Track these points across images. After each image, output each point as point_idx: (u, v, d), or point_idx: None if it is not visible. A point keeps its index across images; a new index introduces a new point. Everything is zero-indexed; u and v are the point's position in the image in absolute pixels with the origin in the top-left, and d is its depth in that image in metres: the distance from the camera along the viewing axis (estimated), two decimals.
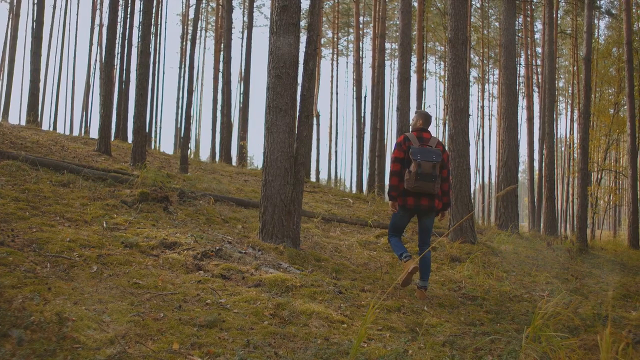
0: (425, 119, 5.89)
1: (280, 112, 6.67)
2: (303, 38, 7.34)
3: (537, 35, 38.27)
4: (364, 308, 4.97)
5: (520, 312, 5.66)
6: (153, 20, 28.13)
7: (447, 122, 9.92)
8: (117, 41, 22.21)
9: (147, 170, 9.31)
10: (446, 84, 9.54)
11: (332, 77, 43.72)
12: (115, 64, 21.77)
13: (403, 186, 5.60)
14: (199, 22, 41.80)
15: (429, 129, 5.87)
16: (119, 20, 22.19)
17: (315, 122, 35.96)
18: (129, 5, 16.57)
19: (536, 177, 27.62)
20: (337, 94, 43.59)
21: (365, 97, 23.63)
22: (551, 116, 16.67)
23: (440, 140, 5.84)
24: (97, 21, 32.63)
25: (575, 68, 34.63)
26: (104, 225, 6.42)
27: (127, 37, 17.55)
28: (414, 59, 25.28)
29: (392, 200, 5.75)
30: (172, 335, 3.68)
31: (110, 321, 3.79)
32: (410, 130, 6.02)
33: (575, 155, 35.76)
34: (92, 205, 7.23)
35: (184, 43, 33.37)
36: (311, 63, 6.98)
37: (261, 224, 6.74)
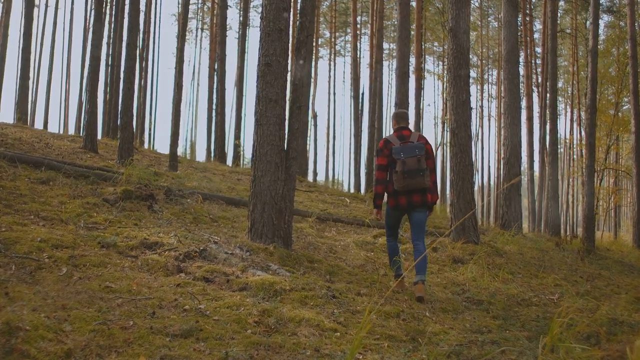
0: (400, 117, 5.87)
1: (270, 103, 6.21)
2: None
3: (536, 35, 37.94)
4: (359, 314, 4.52)
5: (530, 317, 5.22)
6: (145, 16, 27.67)
7: (447, 116, 9.50)
8: (110, 39, 21.79)
9: (133, 167, 8.84)
10: (447, 76, 9.10)
11: (329, 77, 43.31)
12: (109, 63, 21.34)
13: (393, 187, 5.56)
14: (195, 22, 41.40)
15: (408, 126, 5.83)
16: (113, 19, 21.79)
17: (313, 122, 35.52)
18: (120, 1, 16.13)
19: (536, 177, 27.19)
20: (334, 94, 43.37)
21: (362, 93, 23.17)
22: (554, 112, 16.23)
23: (422, 134, 5.87)
24: (91, 21, 32.14)
25: (575, 67, 34.26)
26: (81, 224, 5.97)
27: (118, 34, 17.09)
28: (412, 60, 24.86)
29: (376, 209, 5.87)
30: (140, 346, 3.23)
31: (70, 330, 3.34)
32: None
33: (575, 156, 35.34)
34: (71, 203, 6.78)
35: (180, 43, 32.89)
36: (304, 50, 6.53)
37: (250, 222, 6.29)
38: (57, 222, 5.96)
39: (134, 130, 24.10)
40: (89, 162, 9.58)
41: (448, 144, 8.96)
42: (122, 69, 10.59)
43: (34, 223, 5.78)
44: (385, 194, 5.79)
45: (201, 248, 5.53)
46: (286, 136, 6.44)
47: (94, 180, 8.04)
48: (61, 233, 5.47)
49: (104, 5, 14.80)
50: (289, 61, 6.46)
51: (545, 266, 8.10)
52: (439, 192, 5.99)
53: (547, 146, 25.08)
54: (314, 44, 31.23)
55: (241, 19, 23.07)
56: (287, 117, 6.48)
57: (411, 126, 6.12)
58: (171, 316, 3.81)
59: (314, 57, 31.77)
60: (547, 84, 26.30)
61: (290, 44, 6.52)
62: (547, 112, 25.94)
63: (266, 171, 6.17)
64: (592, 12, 11.26)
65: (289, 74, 6.49)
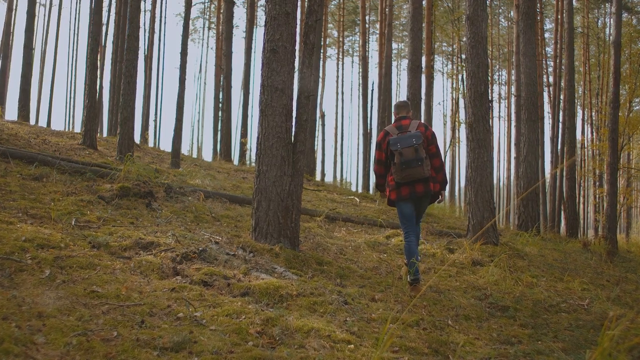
0: (401, 107, 5.73)
1: (276, 92, 5.75)
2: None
3: (546, 35, 37.36)
4: (374, 322, 4.04)
5: (562, 325, 4.73)
6: (151, 14, 27.32)
7: (464, 109, 9.03)
8: (115, 37, 21.40)
9: (133, 163, 8.39)
10: (464, 67, 8.62)
11: (337, 77, 42.84)
12: (113, 58, 20.97)
13: (393, 180, 5.41)
14: (202, 20, 41.05)
15: (408, 115, 5.67)
16: (119, 17, 21.40)
17: (321, 122, 35.05)
18: None
19: (548, 177, 26.58)
20: (342, 93, 42.78)
21: (372, 90, 22.67)
22: (571, 109, 15.70)
23: (423, 122, 5.71)
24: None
25: (587, 67, 33.63)
26: (72, 222, 5.53)
27: (121, 30, 16.69)
28: (422, 58, 24.28)
29: (381, 192, 5.86)
30: None
31: (43, 343, 2.89)
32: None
33: (585, 158, 34.64)
34: (64, 200, 6.36)
35: (187, 46, 32.47)
36: (312, 36, 6.06)
37: (254, 221, 5.82)
38: (46, 220, 5.54)
39: (139, 126, 23.73)
40: (86, 159, 9.16)
41: (465, 139, 8.51)
42: (123, 61, 10.16)
43: (22, 221, 5.35)
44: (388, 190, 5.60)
45: (200, 249, 5.08)
46: (293, 128, 5.98)
47: (90, 176, 7.62)
48: (49, 232, 5.03)
49: None
50: (296, 48, 5.99)
51: (570, 269, 7.59)
52: (447, 180, 5.66)
53: (559, 145, 24.54)
54: (322, 43, 30.74)
55: (247, 15, 22.64)
56: (294, 107, 6.03)
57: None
58: (162, 325, 3.35)
59: (322, 56, 31.30)
60: (561, 82, 25.77)
61: (298, 30, 6.03)
62: (560, 112, 25.41)
63: (271, 165, 5.71)
64: (615, 2, 10.74)
65: (296, 61, 6.00)
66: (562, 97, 25.94)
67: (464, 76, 21.63)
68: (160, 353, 2.94)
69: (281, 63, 5.78)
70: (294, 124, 5.99)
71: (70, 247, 4.75)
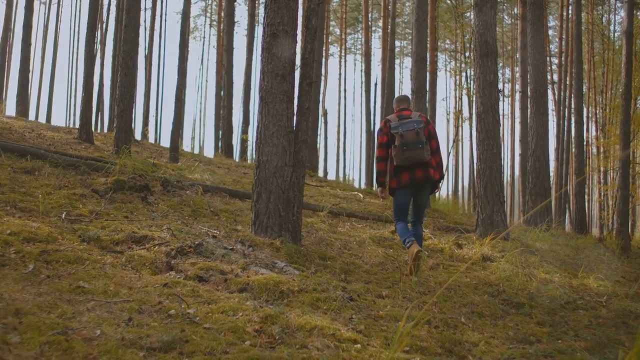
0: (401, 100, 5.82)
1: (277, 78, 5.46)
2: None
3: (550, 32, 37.08)
4: (382, 320, 3.75)
5: (581, 323, 4.44)
6: (151, 12, 27.09)
7: (474, 99, 8.75)
8: (115, 35, 21.14)
9: (129, 157, 8.10)
10: (472, 56, 8.33)
11: (340, 74, 42.69)
12: (114, 54, 20.71)
13: (394, 166, 5.47)
14: (204, 18, 40.80)
15: (409, 107, 5.75)
16: (114, 8, 21.15)
17: (323, 120, 34.79)
18: None
19: (553, 173, 26.30)
20: (345, 91, 42.50)
21: (376, 84, 22.39)
22: (579, 103, 15.39)
23: (424, 114, 6.13)
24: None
25: (591, 64, 33.30)
26: (62, 216, 5.25)
27: (120, 23, 16.41)
28: (427, 52, 23.97)
29: (380, 187, 5.78)
30: None
31: (18, 342, 2.61)
32: None
33: (589, 155, 34.31)
34: (56, 194, 6.08)
35: (187, 37, 32.22)
36: (314, 20, 5.77)
37: (254, 214, 5.53)
38: (35, 214, 5.26)
39: (140, 123, 23.48)
40: (82, 153, 8.88)
41: (468, 136, 8.26)
42: (120, 52, 9.89)
43: (9, 214, 5.08)
44: (388, 178, 5.63)
45: (197, 243, 4.80)
46: (295, 117, 5.69)
47: (84, 170, 7.33)
48: (37, 225, 4.75)
49: None
50: (298, 32, 5.71)
51: (583, 265, 7.30)
52: (447, 179, 5.61)
53: (564, 143, 24.24)
54: (324, 40, 30.46)
55: (249, 10, 22.37)
56: (295, 95, 5.74)
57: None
58: (151, 323, 3.07)
59: (324, 54, 31.04)
60: (566, 78, 25.45)
61: (300, 13, 5.76)
62: (565, 109, 25.10)
63: (272, 155, 5.42)
64: None
65: (297, 46, 5.72)
66: (567, 93, 25.65)
67: (469, 72, 21.23)
68: (147, 353, 2.65)
69: (281, 47, 5.49)
70: (295, 112, 5.70)
71: (59, 241, 4.48)
